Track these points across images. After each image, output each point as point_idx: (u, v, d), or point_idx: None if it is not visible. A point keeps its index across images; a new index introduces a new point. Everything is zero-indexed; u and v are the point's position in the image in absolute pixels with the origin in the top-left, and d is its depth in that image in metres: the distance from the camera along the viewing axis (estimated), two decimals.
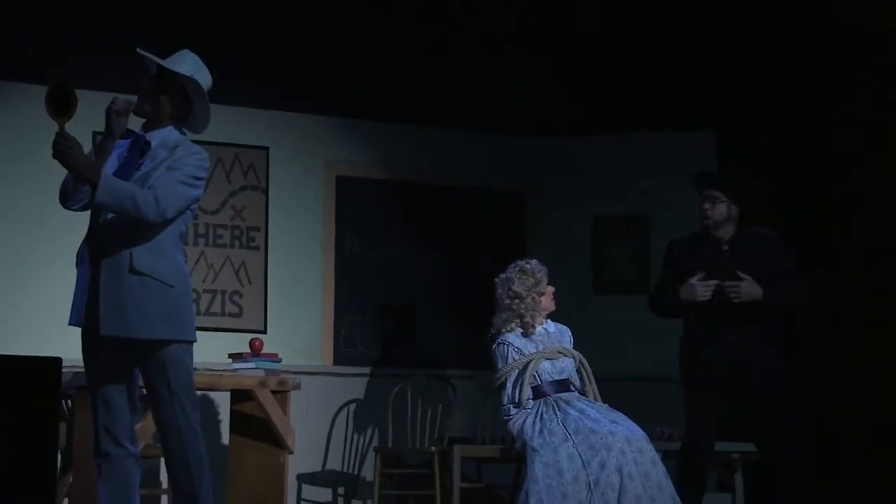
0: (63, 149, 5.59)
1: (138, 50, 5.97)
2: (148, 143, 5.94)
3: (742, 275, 7.27)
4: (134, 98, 5.96)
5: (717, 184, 7.37)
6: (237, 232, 10.15)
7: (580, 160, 10.96)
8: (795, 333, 10.00)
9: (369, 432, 10.31)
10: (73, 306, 5.94)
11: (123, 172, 5.86)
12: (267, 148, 10.27)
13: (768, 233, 7.52)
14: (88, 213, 5.98)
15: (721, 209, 7.36)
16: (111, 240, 5.83)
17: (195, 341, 6.06)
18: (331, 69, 10.26)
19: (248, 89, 9.96)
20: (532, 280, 7.32)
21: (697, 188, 7.51)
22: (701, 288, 7.28)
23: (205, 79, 6.04)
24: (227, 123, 10.08)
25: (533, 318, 7.28)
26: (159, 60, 5.95)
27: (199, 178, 5.93)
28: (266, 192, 10.25)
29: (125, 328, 5.79)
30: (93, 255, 5.88)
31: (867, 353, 10.12)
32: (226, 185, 10.13)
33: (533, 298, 7.29)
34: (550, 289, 7.39)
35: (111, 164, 5.87)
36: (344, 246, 10.47)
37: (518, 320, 7.30)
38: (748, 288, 7.27)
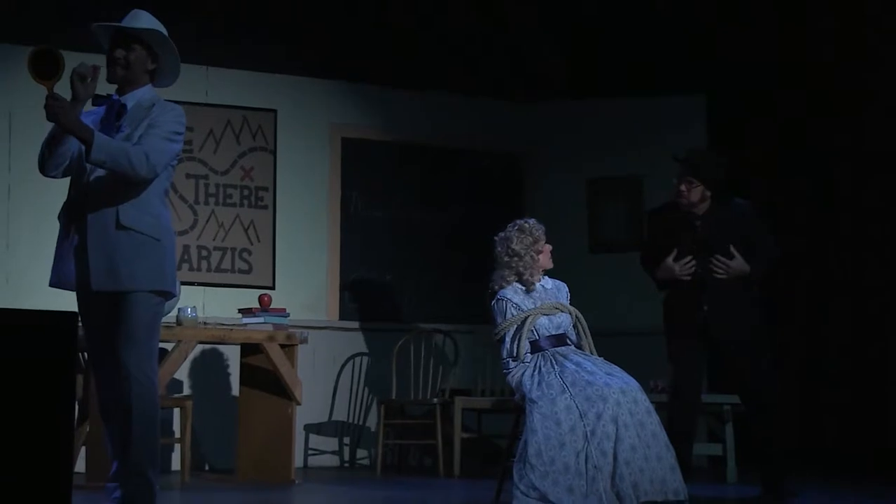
0: (55, 110, 5.63)
1: (94, 26, 5.97)
2: (124, 106, 5.96)
3: (733, 251, 7.47)
4: (100, 60, 5.93)
5: (693, 171, 7.47)
6: (246, 192, 10.27)
7: (576, 124, 11.06)
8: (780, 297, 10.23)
9: (373, 384, 10.49)
10: (52, 268, 5.95)
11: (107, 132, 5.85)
12: (275, 110, 10.38)
13: (742, 203, 7.65)
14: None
15: (696, 192, 7.50)
16: (96, 198, 5.83)
17: (176, 296, 6.07)
18: (337, 34, 10.34)
19: (257, 53, 10.09)
20: (530, 238, 7.24)
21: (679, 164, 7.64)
22: (679, 268, 7.51)
23: (164, 29, 6.02)
24: (236, 87, 10.23)
25: (531, 275, 7.23)
26: (118, 24, 5.93)
27: (178, 133, 5.95)
28: (274, 153, 10.37)
29: (116, 282, 5.81)
30: (76, 215, 5.88)
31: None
32: (235, 147, 10.24)
33: (531, 256, 7.21)
34: (548, 247, 7.27)
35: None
36: (349, 205, 10.61)
37: (516, 278, 7.27)
38: (737, 265, 7.46)
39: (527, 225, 7.30)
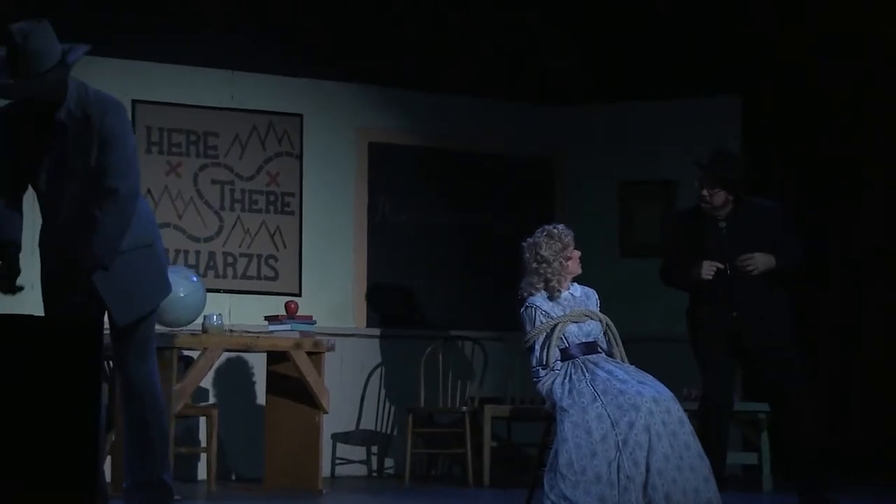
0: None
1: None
2: (64, 126, 5.68)
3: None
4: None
5: (716, 177, 7.39)
6: (272, 197, 10.22)
7: (607, 127, 11.00)
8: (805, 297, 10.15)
9: (401, 392, 10.41)
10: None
11: (45, 155, 5.70)
12: (301, 115, 10.33)
13: (767, 203, 7.60)
14: None
15: (719, 196, 7.44)
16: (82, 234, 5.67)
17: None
18: (364, 38, 10.33)
19: (282, 58, 10.06)
20: (559, 244, 7.22)
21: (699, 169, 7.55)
22: (706, 267, 7.40)
23: (47, 39, 5.59)
24: (261, 91, 10.21)
25: (559, 282, 7.20)
26: (24, 90, 5.58)
27: (127, 132, 5.74)
28: (300, 158, 10.33)
29: (137, 311, 5.81)
30: (63, 253, 5.76)
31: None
32: (261, 152, 10.20)
33: (560, 263, 7.18)
34: (577, 253, 7.26)
35: (15, 152, 5.71)
36: (376, 211, 10.55)
37: (545, 284, 7.24)
38: (762, 259, 7.38)
39: (555, 231, 7.27)
